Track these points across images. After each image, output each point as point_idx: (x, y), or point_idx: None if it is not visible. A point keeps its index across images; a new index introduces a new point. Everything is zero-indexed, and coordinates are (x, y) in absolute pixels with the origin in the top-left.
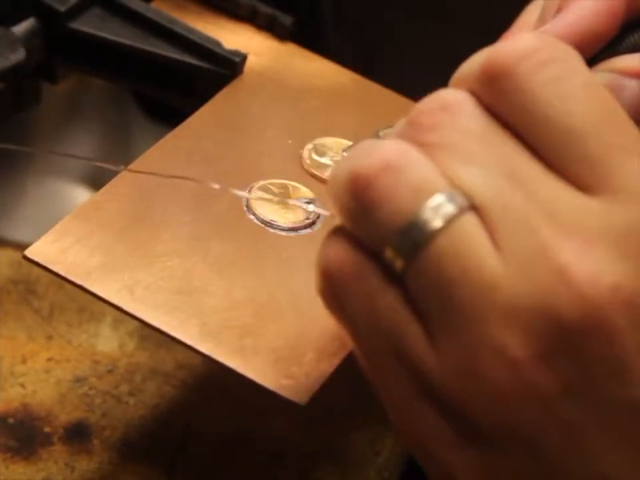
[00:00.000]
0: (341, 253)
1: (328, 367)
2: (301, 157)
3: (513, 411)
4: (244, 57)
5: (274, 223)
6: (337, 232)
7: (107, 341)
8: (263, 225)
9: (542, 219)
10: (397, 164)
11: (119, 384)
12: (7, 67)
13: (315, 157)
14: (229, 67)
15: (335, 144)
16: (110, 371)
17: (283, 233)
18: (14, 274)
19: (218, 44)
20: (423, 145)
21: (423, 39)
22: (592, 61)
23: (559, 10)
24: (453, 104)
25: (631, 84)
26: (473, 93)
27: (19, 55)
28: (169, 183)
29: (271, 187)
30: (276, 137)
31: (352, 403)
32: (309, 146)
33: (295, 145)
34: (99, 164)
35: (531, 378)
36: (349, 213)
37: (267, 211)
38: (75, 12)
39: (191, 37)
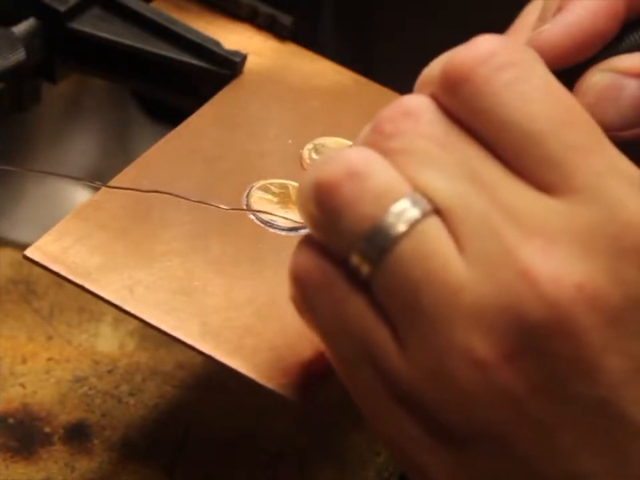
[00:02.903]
0: (309, 260)
1: (327, 366)
2: (301, 157)
3: (483, 412)
4: (244, 57)
5: (274, 222)
6: (306, 240)
7: (107, 341)
8: (262, 225)
9: (504, 221)
10: (360, 170)
11: (119, 384)
12: (7, 67)
13: (315, 156)
14: (229, 67)
15: (335, 144)
16: (110, 371)
17: (283, 233)
18: (14, 274)
19: (218, 44)
20: (386, 152)
21: (423, 39)
22: (592, 60)
23: (558, 10)
24: (414, 110)
25: (631, 84)
26: (435, 98)
27: (19, 55)
28: (168, 182)
29: (271, 186)
30: (276, 136)
31: (352, 403)
32: (309, 146)
33: (295, 144)
34: (82, 181)
35: (499, 379)
36: (315, 221)
37: (267, 210)
38: (75, 12)
39: (191, 37)
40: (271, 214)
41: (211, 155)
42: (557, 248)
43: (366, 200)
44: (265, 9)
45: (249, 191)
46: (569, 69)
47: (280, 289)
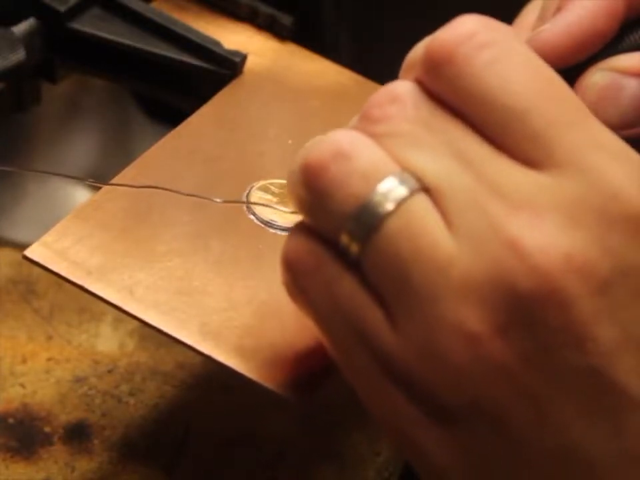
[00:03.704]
0: (300, 244)
1: (328, 366)
2: None
3: (476, 387)
4: (244, 57)
5: (274, 222)
6: (297, 226)
7: (107, 341)
8: (262, 225)
9: (491, 196)
10: (347, 151)
11: (119, 384)
12: (7, 67)
13: None
14: (229, 67)
15: None
16: (110, 371)
17: (283, 233)
18: (14, 274)
19: (218, 44)
20: (373, 136)
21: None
22: (592, 60)
23: (558, 9)
24: (400, 95)
25: (631, 83)
26: (419, 82)
27: (19, 55)
28: (168, 182)
29: (271, 186)
30: (276, 136)
31: (352, 403)
32: None
33: (295, 144)
34: (74, 179)
35: (491, 352)
36: (304, 203)
37: (267, 210)
38: (75, 12)
39: (191, 36)
40: (266, 205)
41: (211, 154)
42: (544, 220)
43: (353, 180)
44: (265, 9)
45: (249, 191)
46: (568, 69)
47: (280, 289)
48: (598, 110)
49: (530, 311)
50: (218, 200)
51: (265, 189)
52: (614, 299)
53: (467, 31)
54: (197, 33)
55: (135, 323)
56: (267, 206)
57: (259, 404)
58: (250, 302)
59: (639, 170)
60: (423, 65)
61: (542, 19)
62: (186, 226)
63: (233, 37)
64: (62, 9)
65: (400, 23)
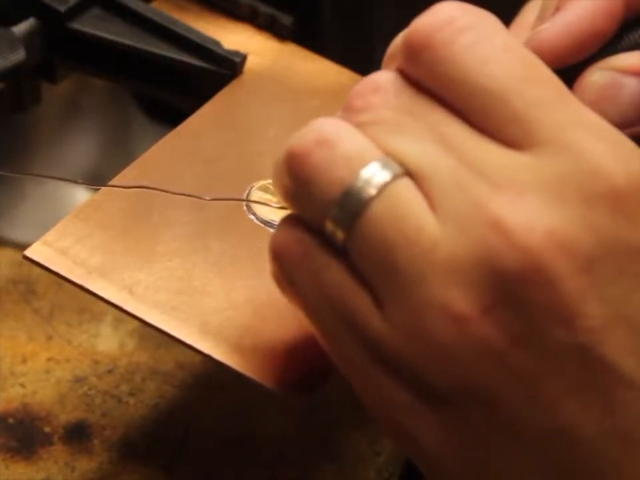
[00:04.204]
0: (287, 235)
1: (328, 366)
2: None
3: (465, 369)
4: (244, 57)
5: (274, 222)
6: (285, 218)
7: (107, 341)
8: (262, 225)
9: (474, 177)
10: (330, 138)
11: (119, 384)
12: (7, 67)
13: None
14: (229, 67)
15: None
16: (110, 371)
17: None
18: (14, 274)
19: (218, 44)
20: (357, 125)
21: None
22: (591, 60)
23: (557, 9)
24: (382, 84)
25: (630, 82)
26: (400, 70)
27: (19, 55)
28: (169, 183)
29: (271, 186)
30: (276, 136)
31: (352, 403)
32: None
33: None
34: (81, 183)
35: (479, 333)
36: (289, 192)
37: (267, 210)
38: (75, 12)
39: (191, 36)
40: (257, 202)
41: (211, 155)
42: (527, 199)
43: (336, 166)
44: (264, 9)
45: (249, 191)
46: (568, 68)
47: None
48: (598, 109)
49: (516, 290)
50: (207, 198)
51: (264, 189)
52: (599, 276)
53: (445, 17)
54: (197, 33)
55: (135, 322)
56: (259, 203)
57: (258, 404)
58: (250, 302)
59: (620, 146)
60: (403, 52)
61: (541, 18)
62: (186, 226)
63: (232, 37)
64: (62, 8)
65: (400, 23)
